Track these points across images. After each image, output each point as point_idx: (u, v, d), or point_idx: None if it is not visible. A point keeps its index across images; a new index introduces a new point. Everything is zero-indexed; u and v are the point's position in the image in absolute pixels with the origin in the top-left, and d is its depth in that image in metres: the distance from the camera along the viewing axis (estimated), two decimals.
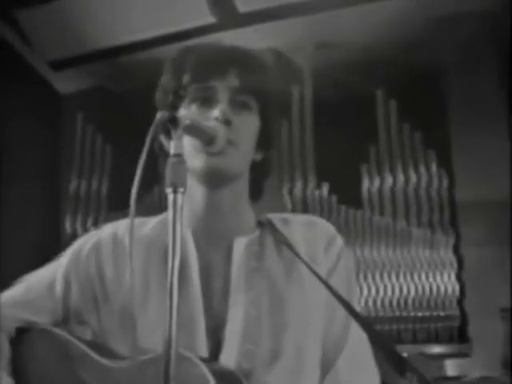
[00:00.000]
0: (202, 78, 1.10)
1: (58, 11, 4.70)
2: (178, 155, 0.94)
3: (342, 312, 1.11)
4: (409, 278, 4.56)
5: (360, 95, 4.81)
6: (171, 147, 0.95)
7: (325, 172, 4.83)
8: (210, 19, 4.70)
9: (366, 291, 4.55)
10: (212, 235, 1.15)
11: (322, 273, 1.13)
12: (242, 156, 1.11)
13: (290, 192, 4.85)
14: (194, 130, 1.02)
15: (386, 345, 1.00)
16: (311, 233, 1.19)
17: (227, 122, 1.07)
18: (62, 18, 4.73)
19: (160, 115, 0.95)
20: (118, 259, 1.15)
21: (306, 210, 4.79)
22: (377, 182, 4.77)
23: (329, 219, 4.43)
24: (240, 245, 1.14)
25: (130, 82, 4.73)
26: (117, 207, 4.71)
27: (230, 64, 1.11)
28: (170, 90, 1.14)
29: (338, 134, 4.92)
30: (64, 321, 1.18)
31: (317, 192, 4.83)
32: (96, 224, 4.99)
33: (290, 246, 1.13)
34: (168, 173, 0.92)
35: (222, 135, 1.06)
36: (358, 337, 1.09)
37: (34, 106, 5.18)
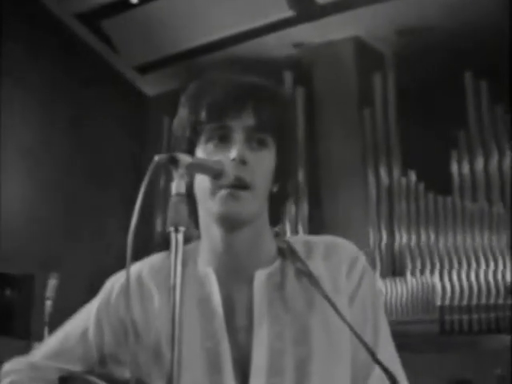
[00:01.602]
0: (217, 117, 1.11)
1: (139, 17, 4.86)
2: (179, 194, 0.96)
3: (368, 335, 1.12)
4: (509, 264, 4.39)
5: (447, 78, 4.64)
6: (172, 187, 0.97)
7: (411, 159, 4.72)
8: (288, 13, 4.70)
9: (457, 280, 4.43)
10: (233, 272, 1.16)
11: (345, 298, 1.14)
12: (257, 198, 1.10)
13: (376, 181, 4.78)
14: (198, 167, 1.04)
15: None
16: (333, 257, 1.18)
17: (243, 162, 1.08)
18: (145, 23, 4.88)
19: (158, 158, 0.97)
20: (144, 300, 1.18)
21: (391, 198, 4.70)
22: (467, 168, 4.60)
23: (416, 207, 4.28)
24: (261, 278, 1.15)
25: None
26: None
27: (246, 103, 1.11)
28: (187, 125, 1.15)
29: (424, 119, 4.78)
30: (101, 363, 1.22)
31: (404, 179, 4.73)
32: None
33: (311, 278, 1.13)
34: (169, 212, 0.95)
35: (230, 168, 1.07)
36: (387, 359, 1.08)
37: (124, 109, 5.41)
